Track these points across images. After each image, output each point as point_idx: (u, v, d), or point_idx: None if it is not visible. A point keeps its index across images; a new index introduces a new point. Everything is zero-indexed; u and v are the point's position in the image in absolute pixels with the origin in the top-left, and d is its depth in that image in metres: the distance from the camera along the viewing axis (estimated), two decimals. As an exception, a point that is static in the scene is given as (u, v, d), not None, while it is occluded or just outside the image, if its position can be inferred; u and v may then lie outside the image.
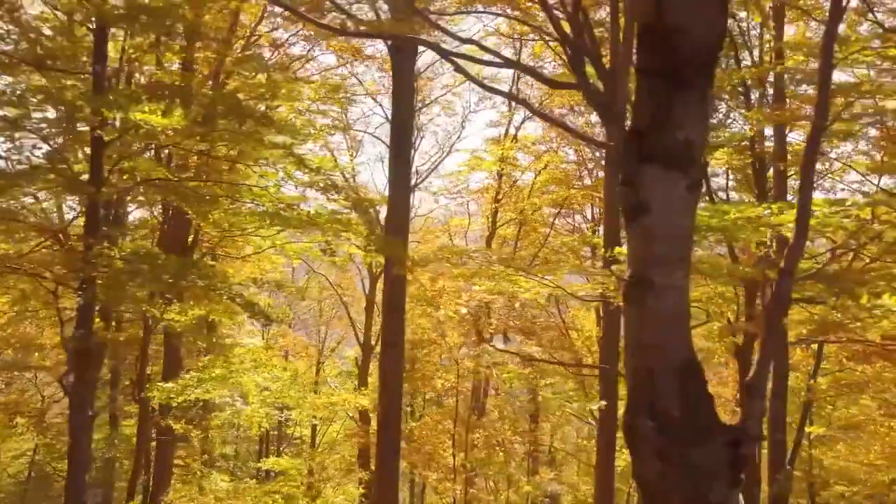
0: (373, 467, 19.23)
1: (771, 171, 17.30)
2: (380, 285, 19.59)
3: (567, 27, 5.61)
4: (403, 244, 9.83)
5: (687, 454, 5.03)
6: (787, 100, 15.00)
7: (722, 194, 20.56)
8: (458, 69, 6.27)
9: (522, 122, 23.96)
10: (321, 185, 11.20)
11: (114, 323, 16.09)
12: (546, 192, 24.03)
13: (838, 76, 22.87)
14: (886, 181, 23.59)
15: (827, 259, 8.64)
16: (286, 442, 36.79)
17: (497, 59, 6.61)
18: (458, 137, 25.49)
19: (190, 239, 16.54)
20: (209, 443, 25.16)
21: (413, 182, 26.94)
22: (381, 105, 26.72)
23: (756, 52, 16.99)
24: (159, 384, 13.81)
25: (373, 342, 23.17)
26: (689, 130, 5.13)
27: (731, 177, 21.32)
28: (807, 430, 26.61)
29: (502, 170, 23.82)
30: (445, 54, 6.45)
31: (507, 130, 23.91)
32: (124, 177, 11.89)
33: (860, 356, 20.91)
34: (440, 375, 20.67)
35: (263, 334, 34.09)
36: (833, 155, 21.22)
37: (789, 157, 15.62)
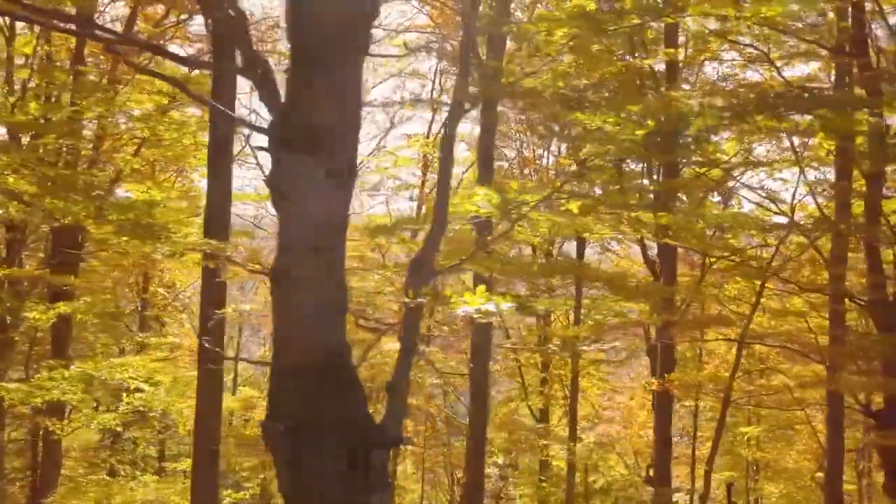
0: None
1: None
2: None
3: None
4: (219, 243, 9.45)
5: (313, 456, 4.73)
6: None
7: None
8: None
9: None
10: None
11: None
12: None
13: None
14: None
15: (474, 249, 8.29)
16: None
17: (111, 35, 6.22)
18: (387, 133, 24.93)
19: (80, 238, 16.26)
20: (131, 444, 24.86)
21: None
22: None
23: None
24: (2, 384, 13.47)
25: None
26: (325, 114, 4.82)
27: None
28: (744, 430, 26.35)
29: (426, 167, 23.53)
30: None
31: (430, 127, 23.61)
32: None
33: (793, 356, 20.55)
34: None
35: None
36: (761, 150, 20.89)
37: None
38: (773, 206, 17.39)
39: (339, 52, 4.83)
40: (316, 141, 4.77)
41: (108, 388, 18.15)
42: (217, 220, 9.75)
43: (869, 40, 11.76)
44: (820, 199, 18.18)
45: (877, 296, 10.01)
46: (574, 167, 15.65)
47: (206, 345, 8.58)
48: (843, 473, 14.85)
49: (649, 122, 16.61)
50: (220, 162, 10.11)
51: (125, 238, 10.37)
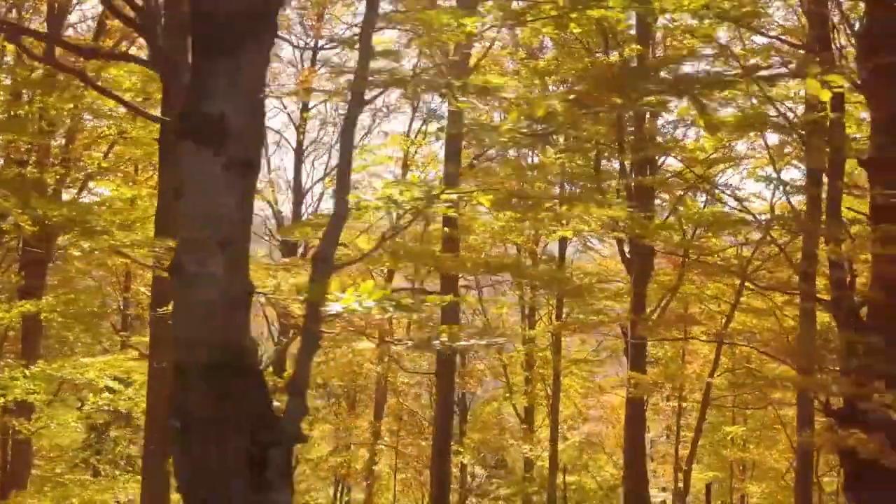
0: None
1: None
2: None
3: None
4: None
5: (207, 455, 4.62)
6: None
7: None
8: None
9: (429, 116, 23.59)
10: None
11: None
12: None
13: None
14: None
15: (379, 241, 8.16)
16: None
17: None
18: (369, 132, 24.78)
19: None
20: (112, 443, 24.77)
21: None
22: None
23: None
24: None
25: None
26: (224, 103, 4.69)
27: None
28: (727, 429, 26.29)
29: (407, 166, 23.42)
30: None
31: (409, 125, 23.56)
32: None
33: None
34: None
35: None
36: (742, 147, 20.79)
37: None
38: (744, 205, 17.27)
39: (239, 38, 4.71)
40: (213, 132, 4.65)
41: (93, 388, 18.09)
42: (167, 218, 9.66)
43: (834, 37, 11.65)
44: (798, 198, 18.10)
45: (836, 294, 9.90)
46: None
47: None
48: (813, 472, 14.81)
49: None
50: (171, 161, 9.99)
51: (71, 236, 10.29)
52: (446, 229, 13.77)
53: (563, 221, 14.66)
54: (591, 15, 5.33)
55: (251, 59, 4.78)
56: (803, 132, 12.59)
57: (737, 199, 15.14)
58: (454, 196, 5.53)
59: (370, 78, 4.84)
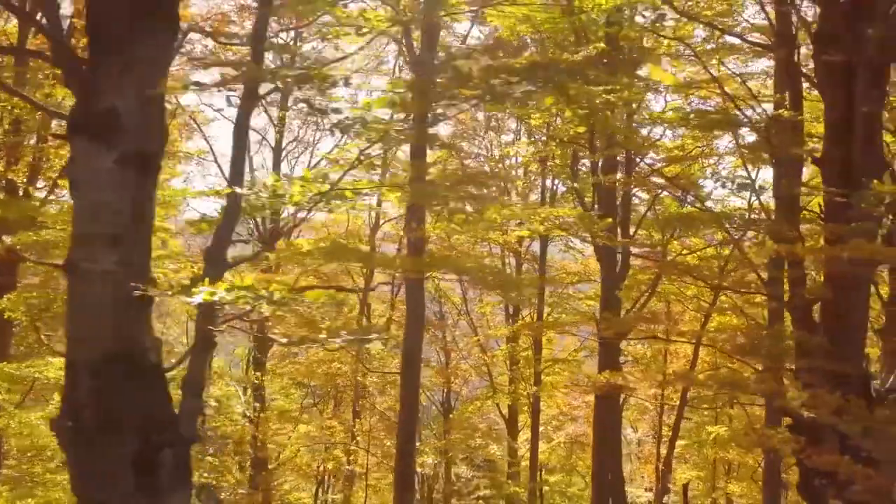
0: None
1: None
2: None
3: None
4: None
5: (99, 456, 4.55)
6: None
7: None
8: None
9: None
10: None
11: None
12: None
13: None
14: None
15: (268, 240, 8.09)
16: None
17: None
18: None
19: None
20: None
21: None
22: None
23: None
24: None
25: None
26: (115, 98, 4.64)
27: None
28: (709, 429, 26.18)
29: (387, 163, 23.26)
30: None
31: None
32: None
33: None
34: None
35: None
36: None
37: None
38: (723, 204, 17.14)
39: (131, 33, 4.64)
40: (103, 127, 4.59)
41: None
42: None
43: (797, 35, 11.58)
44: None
45: (791, 292, 9.82)
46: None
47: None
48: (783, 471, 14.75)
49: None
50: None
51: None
52: (397, 232, 13.63)
53: (517, 221, 14.52)
54: (512, 12, 5.26)
55: (147, 54, 4.72)
56: (760, 130, 12.46)
57: (699, 198, 15.03)
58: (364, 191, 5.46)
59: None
